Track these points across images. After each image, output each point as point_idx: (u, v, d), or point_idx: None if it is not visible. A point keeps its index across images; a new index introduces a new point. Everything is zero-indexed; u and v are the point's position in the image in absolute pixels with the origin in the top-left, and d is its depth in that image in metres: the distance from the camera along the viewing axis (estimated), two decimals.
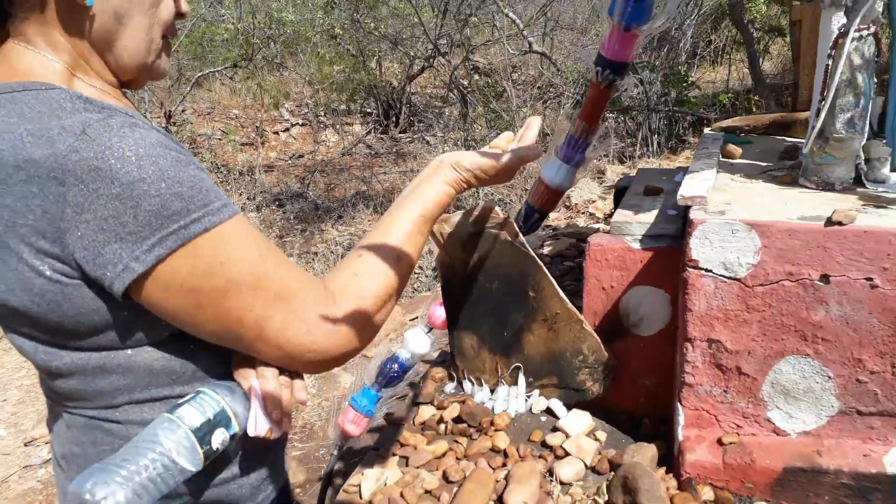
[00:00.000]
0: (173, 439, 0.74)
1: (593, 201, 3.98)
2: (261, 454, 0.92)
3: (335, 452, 1.29)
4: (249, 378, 0.82)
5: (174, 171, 0.69)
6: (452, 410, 1.24)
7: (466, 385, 1.34)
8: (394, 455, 1.18)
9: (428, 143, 8.99)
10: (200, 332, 0.78)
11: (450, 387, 1.36)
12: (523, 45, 10.02)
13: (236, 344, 0.79)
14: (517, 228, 1.20)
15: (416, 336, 1.53)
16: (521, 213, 1.71)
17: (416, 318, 3.12)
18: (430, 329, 1.89)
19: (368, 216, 6.09)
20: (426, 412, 1.27)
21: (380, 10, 9.76)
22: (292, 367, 0.83)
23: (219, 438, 0.78)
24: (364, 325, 0.82)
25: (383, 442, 1.24)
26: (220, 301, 0.73)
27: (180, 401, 0.79)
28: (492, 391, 1.31)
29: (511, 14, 10.44)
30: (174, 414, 0.76)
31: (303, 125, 9.24)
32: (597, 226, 2.90)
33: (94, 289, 0.71)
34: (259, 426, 0.81)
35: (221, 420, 0.79)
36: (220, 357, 0.84)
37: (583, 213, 3.83)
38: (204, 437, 0.76)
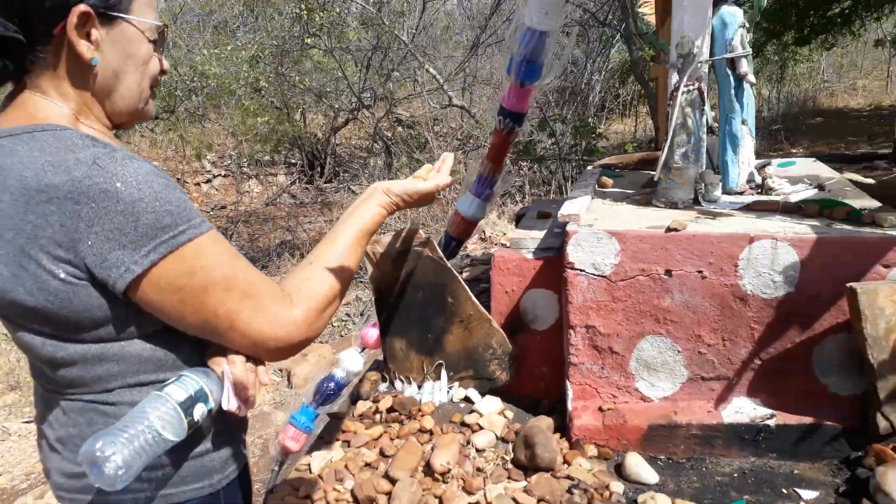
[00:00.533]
0: (163, 410, 0.95)
1: (505, 234, 4.34)
2: (228, 433, 1.13)
3: (276, 468, 1.46)
4: (222, 364, 1.04)
5: (165, 193, 0.92)
6: (386, 402, 1.46)
7: (397, 384, 1.57)
8: (337, 440, 1.39)
9: (354, 192, 9.20)
10: (183, 324, 0.99)
11: (383, 386, 1.59)
12: (444, 99, 10.49)
13: (212, 334, 1.01)
14: (437, 247, 1.46)
15: (349, 356, 1.77)
16: (441, 241, 1.98)
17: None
18: (363, 349, 2.13)
19: (294, 264, 6.24)
20: (363, 406, 1.49)
21: (304, 64, 10.02)
22: (256, 355, 1.06)
23: (199, 412, 1.00)
24: (314, 321, 1.05)
25: (327, 431, 1.45)
26: (199, 297, 0.96)
27: (166, 382, 1.00)
28: (419, 387, 1.54)
29: (431, 69, 10.94)
30: (163, 391, 0.97)
31: (225, 176, 9.33)
32: None
33: (98, 288, 0.92)
34: (231, 402, 1.03)
35: (200, 397, 1.00)
36: (196, 349, 1.06)
37: (496, 244, 4.15)
38: (187, 410, 0.97)
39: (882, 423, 1.16)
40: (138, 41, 1.04)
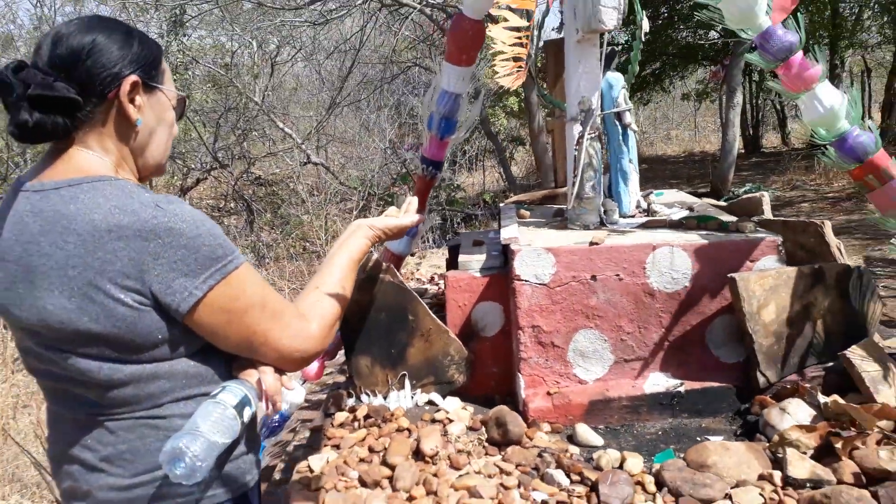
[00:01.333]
0: (222, 413, 1.12)
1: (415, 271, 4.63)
2: (254, 440, 1.31)
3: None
4: (254, 374, 1.23)
5: (214, 230, 1.12)
6: (362, 410, 1.66)
7: (363, 397, 1.76)
8: (326, 446, 1.56)
9: None
10: (227, 342, 1.18)
11: (350, 402, 1.78)
12: (302, 157, 10.67)
13: (248, 349, 1.20)
14: (397, 272, 1.71)
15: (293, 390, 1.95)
16: None
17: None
18: (304, 381, 2.32)
19: None
20: (341, 416, 1.67)
21: None
22: (282, 365, 1.25)
23: (247, 414, 1.18)
24: (326, 335, 1.27)
25: (313, 441, 1.62)
26: (241, 318, 1.15)
27: (215, 390, 1.17)
28: (384, 397, 1.75)
29: (286, 129, 11.10)
30: (217, 398, 1.14)
31: None
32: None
33: (159, 313, 1.09)
34: (266, 405, 1.21)
35: (246, 402, 1.18)
36: (225, 364, 1.24)
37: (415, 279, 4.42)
38: (239, 413, 1.15)
39: (761, 380, 1.54)
40: (168, 107, 1.27)
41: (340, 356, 2.65)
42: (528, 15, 2.17)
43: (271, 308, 1.21)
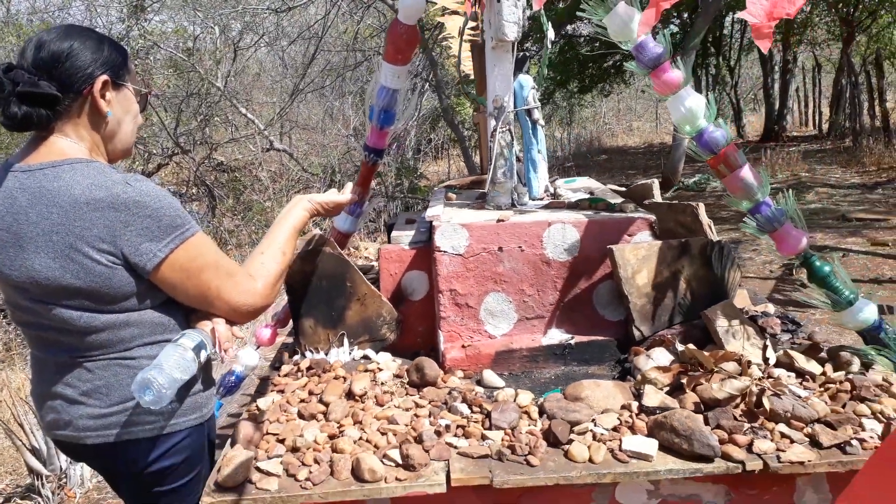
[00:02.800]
0: (182, 354, 1.40)
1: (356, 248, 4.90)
2: (208, 380, 1.60)
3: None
4: (209, 324, 1.50)
5: (173, 203, 1.39)
6: (305, 363, 1.94)
7: (307, 354, 2.04)
8: (272, 391, 1.84)
9: None
10: (185, 295, 1.45)
11: (296, 358, 2.06)
12: (265, 144, 10.79)
13: (203, 303, 1.47)
14: (336, 245, 1.99)
15: (247, 353, 2.23)
16: None
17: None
18: (258, 347, 2.59)
19: None
20: (286, 368, 1.95)
21: None
22: (233, 317, 1.53)
23: (203, 356, 1.46)
24: (270, 292, 1.55)
25: (262, 388, 1.90)
26: (198, 276, 1.43)
27: (176, 336, 1.44)
28: (325, 353, 2.03)
29: (249, 115, 11.20)
30: (178, 342, 1.42)
31: None
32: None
33: (129, 271, 1.37)
34: (219, 351, 1.49)
35: (202, 346, 1.46)
36: (184, 316, 1.52)
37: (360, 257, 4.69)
38: (197, 355, 1.43)
39: (636, 334, 1.87)
40: (133, 101, 1.55)
41: (290, 326, 2.93)
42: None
43: (224, 269, 1.50)
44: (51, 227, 1.36)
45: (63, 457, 3.47)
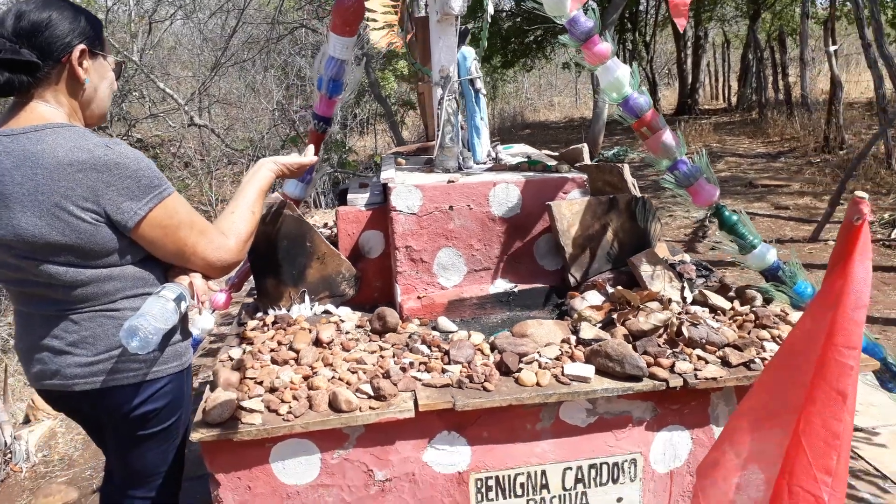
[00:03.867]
0: (163, 305, 1.52)
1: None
2: (186, 331, 1.72)
3: None
4: (186, 279, 1.63)
5: (149, 164, 1.51)
6: (270, 318, 2.08)
7: (271, 311, 2.18)
8: (242, 345, 1.97)
9: None
10: (164, 251, 1.58)
11: (259, 314, 2.19)
12: (186, 119, 10.56)
13: (180, 258, 1.60)
14: (296, 208, 2.12)
15: (203, 317, 2.34)
16: None
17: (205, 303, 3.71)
18: (213, 311, 2.71)
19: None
20: (252, 323, 2.08)
21: None
22: (208, 272, 1.66)
23: (183, 306, 1.58)
24: (241, 248, 1.69)
25: (230, 343, 2.02)
26: (175, 233, 1.55)
27: (157, 289, 1.56)
28: (287, 310, 2.17)
29: (167, 90, 10.91)
30: (159, 294, 1.54)
31: None
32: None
33: (111, 228, 1.48)
34: (196, 302, 1.62)
35: (182, 298, 1.58)
36: (163, 271, 1.64)
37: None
38: (177, 304, 1.56)
39: (572, 280, 2.09)
40: (108, 69, 1.65)
41: (245, 290, 3.03)
42: None
43: (199, 227, 1.62)
44: (36, 188, 1.45)
45: (7, 432, 3.46)
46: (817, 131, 10.31)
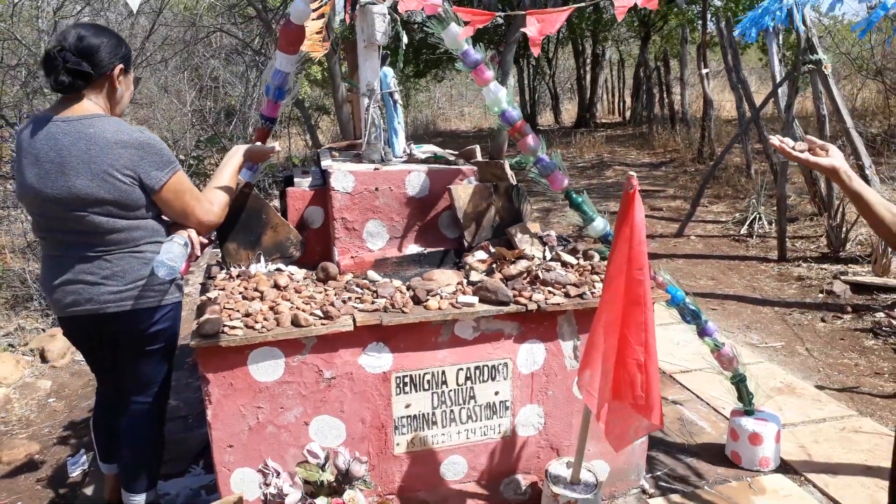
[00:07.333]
0: (178, 245, 2.15)
1: None
2: (180, 278, 2.34)
3: None
4: (185, 233, 2.25)
5: (166, 146, 2.14)
6: (235, 273, 2.69)
7: (233, 269, 2.78)
8: (213, 289, 2.57)
9: None
10: (172, 211, 2.20)
11: (223, 273, 2.79)
12: None
13: (181, 216, 2.23)
14: (254, 187, 2.74)
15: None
16: None
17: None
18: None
19: None
20: (220, 276, 2.68)
21: None
22: (199, 229, 2.29)
23: (188, 249, 2.21)
24: (221, 213, 2.33)
25: (206, 289, 2.62)
26: (182, 197, 2.19)
27: (169, 237, 2.18)
28: (247, 267, 2.78)
29: None
30: (173, 240, 2.16)
31: None
32: None
33: (142, 189, 2.10)
34: (194, 251, 2.25)
35: (187, 243, 2.21)
36: (167, 227, 2.26)
37: None
38: (184, 248, 2.18)
39: (466, 244, 2.82)
40: (132, 82, 2.28)
41: (205, 258, 3.58)
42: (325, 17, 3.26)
43: (196, 195, 2.25)
44: (90, 158, 2.04)
45: None
46: (694, 144, 11.62)
